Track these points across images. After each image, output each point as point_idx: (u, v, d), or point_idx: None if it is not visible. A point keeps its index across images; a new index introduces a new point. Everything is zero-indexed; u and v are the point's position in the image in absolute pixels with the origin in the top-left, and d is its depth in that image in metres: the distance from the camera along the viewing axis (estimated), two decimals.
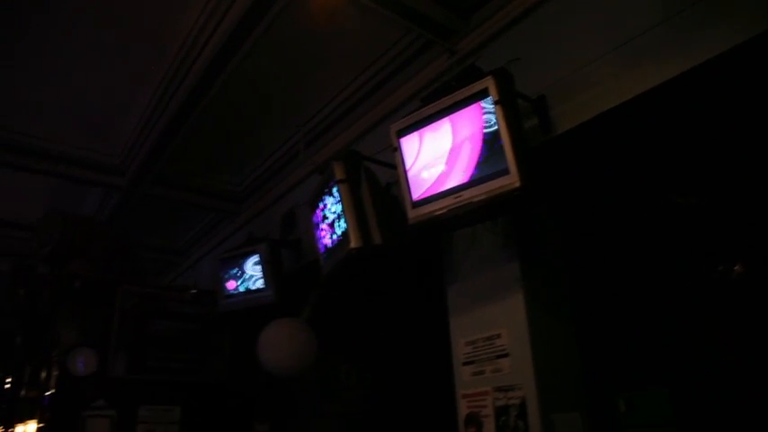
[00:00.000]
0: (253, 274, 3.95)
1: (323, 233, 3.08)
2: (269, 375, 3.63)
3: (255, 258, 3.95)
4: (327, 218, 2.98)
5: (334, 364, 4.23)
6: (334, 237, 2.91)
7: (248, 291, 3.98)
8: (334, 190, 2.83)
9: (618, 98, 2.32)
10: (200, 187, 5.27)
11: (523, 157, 2.12)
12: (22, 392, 4.58)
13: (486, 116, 2.23)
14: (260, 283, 3.91)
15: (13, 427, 4.41)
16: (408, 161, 2.50)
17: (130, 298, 4.15)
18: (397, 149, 2.52)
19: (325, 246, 3.06)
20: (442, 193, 2.32)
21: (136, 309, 4.15)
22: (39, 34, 3.61)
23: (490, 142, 2.21)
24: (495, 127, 2.19)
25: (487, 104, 2.22)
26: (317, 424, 4.24)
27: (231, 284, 4.09)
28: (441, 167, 2.36)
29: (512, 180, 2.09)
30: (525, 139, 2.25)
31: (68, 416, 3.74)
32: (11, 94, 4.18)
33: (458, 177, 2.30)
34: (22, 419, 4.29)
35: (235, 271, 4.07)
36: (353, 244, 2.63)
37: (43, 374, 4.16)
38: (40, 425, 3.85)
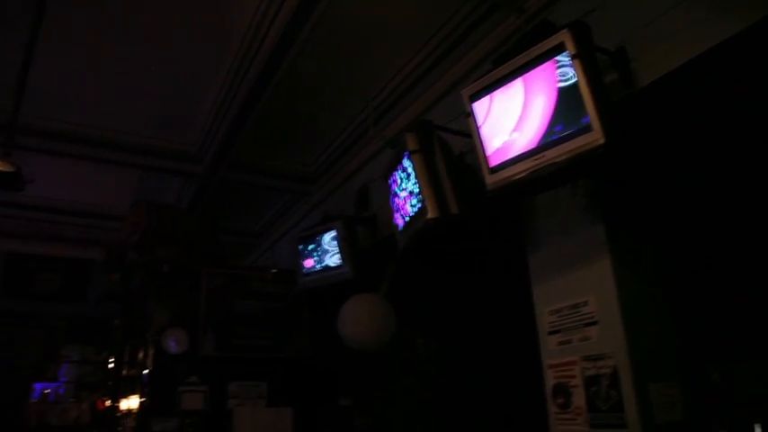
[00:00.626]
0: (329, 249, 3.99)
1: (398, 206, 3.05)
2: (350, 350, 3.68)
3: (332, 234, 3.99)
4: (402, 190, 2.95)
5: (413, 337, 4.23)
6: (411, 209, 2.87)
7: (326, 268, 4.03)
8: (408, 162, 2.79)
9: (704, 44, 2.13)
10: (273, 170, 5.38)
11: (606, 112, 2.00)
12: (124, 371, 4.89)
13: (561, 70, 2.12)
14: (337, 260, 3.95)
15: (119, 402, 4.72)
16: (483, 126, 2.42)
17: (215, 279, 4.31)
18: (471, 114, 2.44)
19: (402, 219, 3.03)
20: (521, 155, 2.23)
21: (220, 290, 4.30)
22: (114, 36, 3.78)
23: (567, 99, 2.10)
24: (572, 80, 2.07)
25: (563, 59, 2.10)
26: (398, 398, 4.27)
27: (309, 263, 4.15)
28: (519, 130, 2.27)
29: (595, 137, 1.97)
30: (607, 93, 2.12)
31: (166, 391, 3.95)
32: (95, 94, 4.40)
33: (536, 138, 2.20)
34: (126, 395, 4.58)
35: (312, 249, 4.13)
36: (430, 215, 2.58)
37: (141, 354, 4.41)
38: (142, 399, 4.09)
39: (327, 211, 4.65)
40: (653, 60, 2.34)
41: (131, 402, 4.44)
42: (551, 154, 2.14)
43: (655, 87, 2.34)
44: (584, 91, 2.01)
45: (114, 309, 5.56)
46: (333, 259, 3.98)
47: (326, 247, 4.03)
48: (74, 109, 4.58)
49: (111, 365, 5.60)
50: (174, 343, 4.08)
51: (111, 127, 4.82)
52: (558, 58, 2.13)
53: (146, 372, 4.14)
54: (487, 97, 2.42)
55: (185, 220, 5.03)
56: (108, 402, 5.22)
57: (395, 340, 3.63)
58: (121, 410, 4.66)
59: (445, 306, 3.94)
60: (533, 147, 2.20)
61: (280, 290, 4.54)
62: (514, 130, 2.30)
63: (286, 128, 4.78)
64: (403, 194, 2.93)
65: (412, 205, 2.84)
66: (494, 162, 2.36)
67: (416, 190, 2.72)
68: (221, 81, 4.20)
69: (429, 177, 2.63)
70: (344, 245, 3.90)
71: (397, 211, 3.07)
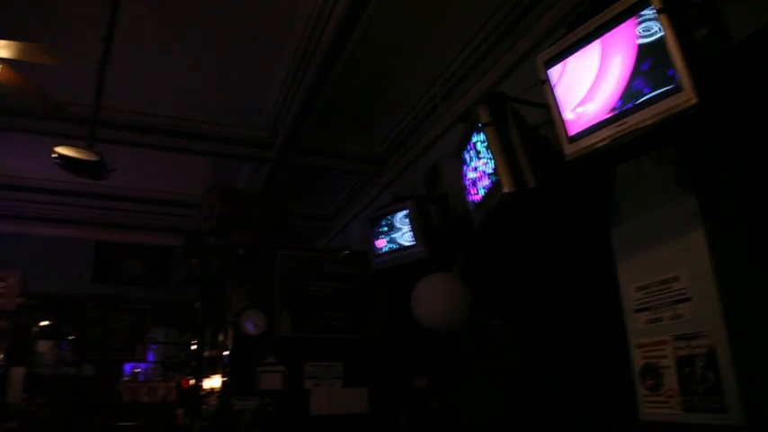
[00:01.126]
0: (401, 229, 3.95)
1: (472, 182, 2.96)
2: (425, 331, 3.64)
3: (403, 214, 3.94)
4: (476, 165, 2.86)
5: (489, 318, 4.15)
6: (485, 184, 2.78)
7: (399, 248, 4.00)
8: (481, 135, 2.69)
9: None
10: (342, 152, 5.41)
11: (699, 69, 1.82)
12: (206, 352, 5.07)
13: (643, 25, 1.95)
14: (409, 238, 3.91)
15: (202, 381, 4.91)
16: (560, 92, 2.28)
17: (289, 262, 4.37)
18: (547, 81, 2.31)
19: (476, 195, 2.94)
20: (602, 122, 2.09)
21: (295, 271, 4.36)
22: (183, 27, 3.87)
23: (649, 57, 1.93)
24: (656, 35, 1.89)
25: (648, 13, 1.94)
26: (474, 379, 4.21)
27: (381, 243, 4.13)
28: (598, 94, 2.13)
29: (686, 97, 1.80)
30: (699, 49, 1.94)
31: (246, 371, 4.06)
32: (168, 85, 4.55)
33: (616, 102, 2.05)
34: (208, 375, 4.76)
35: (384, 229, 4.10)
36: (506, 189, 2.47)
37: (221, 336, 4.55)
38: (224, 379, 4.22)
39: (398, 191, 4.61)
40: (747, 12, 2.13)
41: (214, 382, 4.60)
42: (635, 119, 1.98)
43: (750, 42, 2.13)
44: (673, 47, 1.84)
45: (195, 292, 5.78)
46: (405, 238, 3.94)
47: (398, 226, 3.99)
48: (148, 101, 4.75)
49: (193, 347, 5.83)
50: (251, 324, 4.18)
51: (184, 116, 4.98)
52: (642, 13, 1.96)
53: (226, 353, 4.26)
54: (564, 62, 2.28)
55: (259, 205, 5.13)
56: (192, 381, 5.44)
57: (470, 321, 3.56)
58: (205, 389, 4.84)
59: (522, 285, 3.82)
60: (615, 112, 2.05)
61: (353, 271, 4.55)
62: (593, 94, 2.15)
63: (354, 110, 4.78)
64: (476, 169, 2.83)
65: (486, 181, 2.74)
66: (573, 130, 2.22)
67: (491, 164, 2.62)
68: (288, 65, 4.23)
69: (503, 150, 2.52)
70: (417, 224, 3.85)
71: (471, 187, 2.97)
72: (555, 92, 2.32)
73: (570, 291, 3.34)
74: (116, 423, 6.93)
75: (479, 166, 2.80)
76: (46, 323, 7.77)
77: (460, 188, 3.19)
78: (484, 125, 2.60)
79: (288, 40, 3.98)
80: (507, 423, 3.60)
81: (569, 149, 2.21)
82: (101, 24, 3.44)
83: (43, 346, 7.60)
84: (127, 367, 8.00)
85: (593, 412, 3.06)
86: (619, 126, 2.02)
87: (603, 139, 2.07)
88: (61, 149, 3.35)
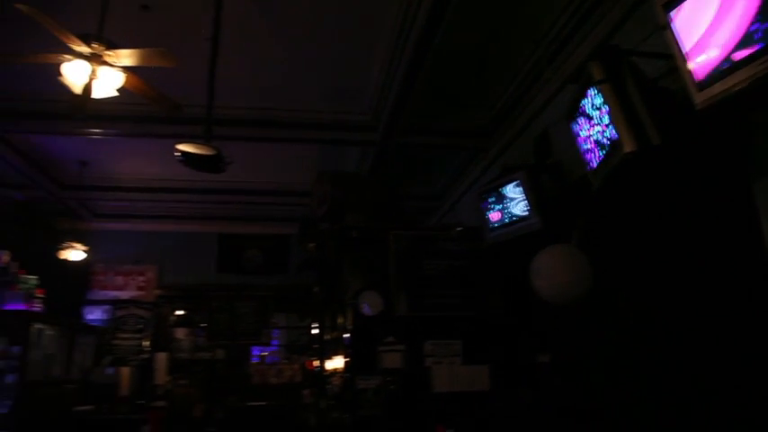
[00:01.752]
0: (514, 199, 3.83)
1: (589, 144, 2.79)
2: (545, 305, 3.51)
3: (515, 184, 3.82)
4: (592, 126, 2.69)
5: (612, 289, 3.93)
6: (603, 145, 2.60)
7: (512, 221, 3.88)
8: (596, 94, 2.52)
9: None
10: (447, 129, 5.35)
11: None
12: (326, 335, 5.25)
13: None
14: (523, 208, 3.78)
15: (325, 362, 5.10)
16: (683, 35, 2.07)
17: (402, 241, 4.37)
18: (668, 25, 2.11)
19: (594, 158, 2.77)
20: (738, 62, 1.86)
21: (408, 251, 4.36)
22: (283, 20, 3.97)
23: None
24: None
25: None
26: (599, 355, 4.02)
27: (495, 216, 4.03)
28: (727, 31, 1.90)
29: None
30: None
31: (367, 351, 4.14)
32: (271, 79, 4.70)
33: (755, 38, 1.82)
34: (330, 356, 4.92)
35: (496, 202, 4.00)
36: (628, 148, 2.29)
37: (340, 318, 4.67)
38: (346, 360, 4.34)
39: (507, 163, 4.47)
40: None
41: (336, 363, 4.75)
42: None
43: None
44: None
45: (312, 277, 5.98)
46: (519, 208, 3.82)
47: (510, 197, 3.87)
48: (255, 95, 4.94)
49: (314, 330, 6.05)
50: (367, 306, 4.25)
51: (290, 107, 5.14)
52: None
53: (347, 335, 4.37)
54: (686, 2, 2.06)
55: (368, 187, 5.20)
56: (316, 363, 5.65)
57: (592, 293, 3.39)
58: (328, 370, 5.02)
59: (648, 253, 3.58)
60: (754, 48, 1.82)
61: (467, 247, 4.48)
62: (722, 33, 1.93)
63: (455, 84, 4.70)
64: (593, 131, 2.66)
65: (604, 141, 2.57)
66: (700, 75, 2.00)
67: (608, 123, 2.45)
68: (386, 45, 4.23)
69: (622, 107, 2.34)
70: (530, 195, 3.71)
71: (588, 151, 2.80)
72: (678, 36, 2.11)
73: (705, 256, 3.07)
74: (247, 403, 7.38)
75: (595, 127, 2.63)
76: (181, 312, 8.43)
77: (575, 153, 3.02)
78: (598, 82, 2.43)
79: (384, 20, 3.97)
80: (635, 400, 3.41)
81: (699, 97, 2.00)
82: (206, 25, 3.60)
83: (181, 333, 8.24)
84: (254, 351, 8.49)
85: (734, 392, 2.81)
86: (760, 64, 1.79)
87: (741, 82, 1.85)
88: (182, 146, 3.56)
